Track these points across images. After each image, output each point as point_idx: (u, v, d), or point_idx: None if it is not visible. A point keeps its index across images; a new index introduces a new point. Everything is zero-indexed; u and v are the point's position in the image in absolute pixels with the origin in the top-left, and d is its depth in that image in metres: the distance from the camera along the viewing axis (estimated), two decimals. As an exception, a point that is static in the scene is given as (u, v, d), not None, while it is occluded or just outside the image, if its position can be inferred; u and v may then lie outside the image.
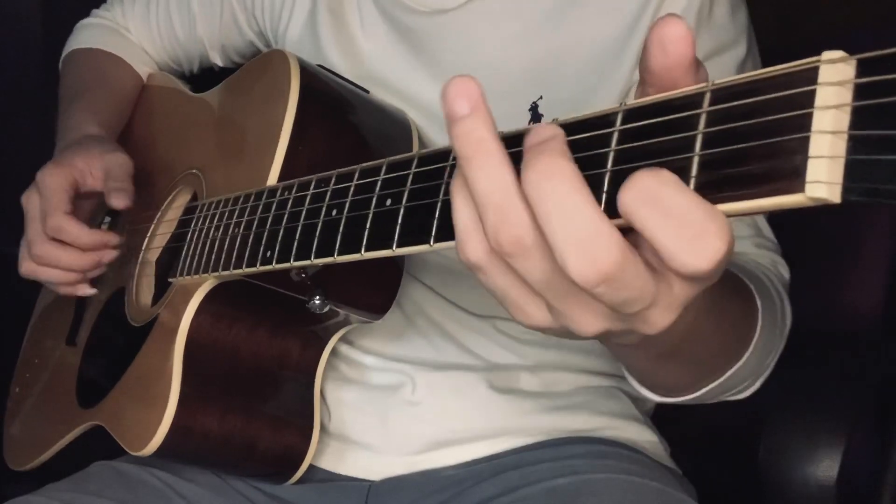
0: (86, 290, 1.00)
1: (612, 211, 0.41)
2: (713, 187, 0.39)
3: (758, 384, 0.77)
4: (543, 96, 0.91)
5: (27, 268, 0.98)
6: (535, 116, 0.91)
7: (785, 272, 0.86)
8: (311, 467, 0.94)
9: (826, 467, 0.86)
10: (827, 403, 0.91)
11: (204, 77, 1.25)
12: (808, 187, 0.35)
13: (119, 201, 0.96)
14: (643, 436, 0.99)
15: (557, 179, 0.41)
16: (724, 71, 0.87)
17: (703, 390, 0.70)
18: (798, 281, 0.83)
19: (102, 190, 0.99)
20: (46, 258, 0.96)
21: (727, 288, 0.65)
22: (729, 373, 0.69)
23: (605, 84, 0.90)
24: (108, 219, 1.09)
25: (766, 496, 0.90)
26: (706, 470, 1.01)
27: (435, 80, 0.97)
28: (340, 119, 0.90)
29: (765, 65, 0.92)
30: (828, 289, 0.91)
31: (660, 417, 1.05)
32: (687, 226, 0.39)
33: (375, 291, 0.88)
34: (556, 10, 0.91)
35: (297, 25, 1.08)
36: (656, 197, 0.39)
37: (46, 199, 0.95)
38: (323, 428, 0.95)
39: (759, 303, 0.71)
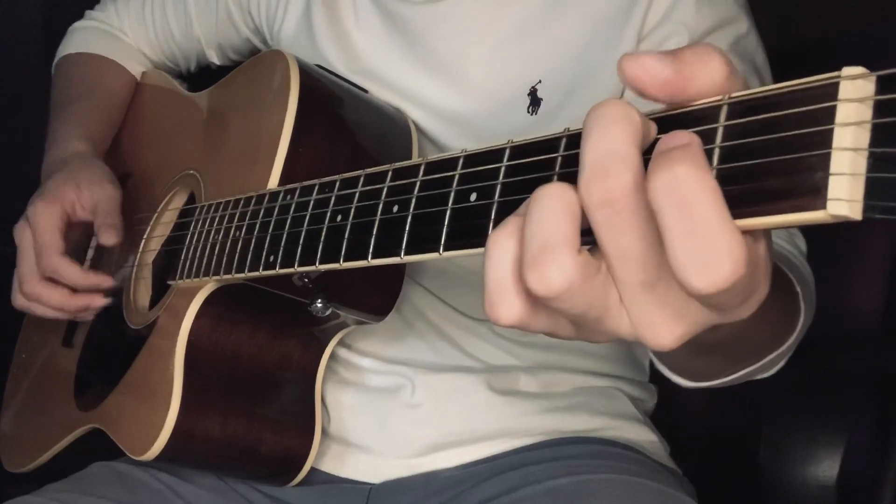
0: (83, 317, 1.01)
1: None
2: (732, 202, 0.38)
3: (783, 362, 0.74)
4: (542, 80, 0.91)
5: (20, 302, 0.99)
6: (535, 100, 0.91)
7: (802, 244, 0.84)
8: (312, 470, 0.94)
9: (826, 467, 0.87)
10: (827, 403, 0.92)
11: (201, 75, 1.24)
12: (829, 205, 0.35)
13: (108, 238, 0.97)
14: (643, 436, 1.00)
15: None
16: (726, 44, 0.87)
17: (735, 376, 0.68)
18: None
19: (91, 221, 1.00)
20: (37, 297, 0.97)
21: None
22: (767, 359, 0.68)
23: (606, 64, 0.89)
24: None
25: (766, 496, 0.90)
26: (706, 470, 1.01)
27: (430, 72, 0.96)
28: (340, 120, 0.90)
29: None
30: (828, 289, 0.90)
31: (660, 417, 1.05)
32: (707, 248, 0.37)
33: (377, 294, 0.87)
34: None
35: (293, 21, 1.07)
36: (689, 204, 0.37)
37: (39, 237, 0.95)
38: (323, 431, 0.95)
39: (798, 291, 0.69)
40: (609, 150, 0.40)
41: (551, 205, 0.41)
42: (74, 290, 0.97)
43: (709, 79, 0.41)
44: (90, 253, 1.09)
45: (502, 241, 0.43)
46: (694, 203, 0.37)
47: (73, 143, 1.09)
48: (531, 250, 0.41)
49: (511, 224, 0.43)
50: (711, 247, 0.37)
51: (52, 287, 0.96)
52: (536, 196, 0.42)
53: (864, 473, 0.88)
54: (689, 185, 0.37)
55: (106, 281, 0.98)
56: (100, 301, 0.98)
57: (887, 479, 0.86)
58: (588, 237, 0.41)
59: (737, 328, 0.50)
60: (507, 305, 0.43)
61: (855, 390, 0.94)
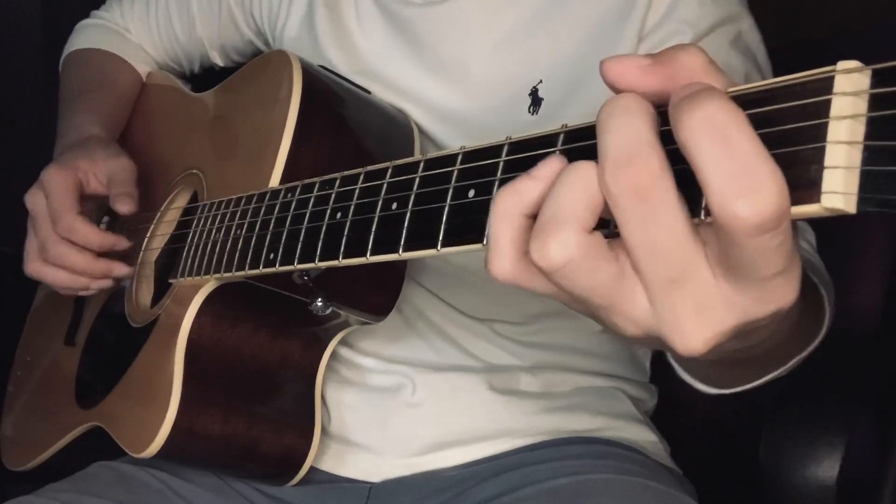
0: (88, 290, 0.99)
1: None
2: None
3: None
4: (543, 80, 0.91)
5: (34, 267, 0.97)
6: (536, 101, 0.91)
7: (811, 237, 0.84)
8: (312, 469, 0.94)
9: (826, 467, 0.86)
10: (827, 403, 0.91)
11: (205, 77, 1.25)
12: (824, 197, 0.35)
13: (124, 206, 0.96)
14: (643, 436, 1.00)
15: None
16: (729, 40, 0.87)
17: (761, 381, 0.68)
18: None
19: (105, 194, 0.99)
20: (60, 259, 0.95)
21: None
22: (790, 364, 0.67)
23: None
24: (106, 218, 1.09)
25: (766, 496, 0.90)
26: (706, 470, 1.01)
27: (432, 73, 0.97)
28: (342, 120, 0.90)
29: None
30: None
31: (660, 417, 1.05)
32: (750, 173, 0.36)
33: (378, 293, 0.88)
34: None
35: (295, 23, 1.08)
36: (727, 134, 0.37)
37: (55, 199, 0.94)
38: (323, 430, 0.95)
39: (822, 290, 0.69)
40: (634, 138, 0.40)
41: (574, 182, 0.41)
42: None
43: (690, 60, 0.41)
44: None
45: (506, 198, 0.44)
46: (732, 132, 0.37)
47: (88, 129, 1.09)
48: (541, 220, 0.41)
49: (519, 182, 0.44)
50: (755, 172, 0.36)
51: (75, 249, 0.95)
52: (566, 170, 0.42)
53: (864, 473, 0.88)
54: (724, 116, 0.37)
55: (122, 242, 0.97)
56: (121, 268, 0.97)
57: (887, 479, 0.86)
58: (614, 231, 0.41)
59: (775, 339, 0.49)
60: (502, 262, 0.44)
61: (855, 390, 0.94)
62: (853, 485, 0.87)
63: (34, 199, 0.96)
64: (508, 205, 0.44)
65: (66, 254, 0.95)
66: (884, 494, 0.85)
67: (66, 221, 0.94)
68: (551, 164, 0.43)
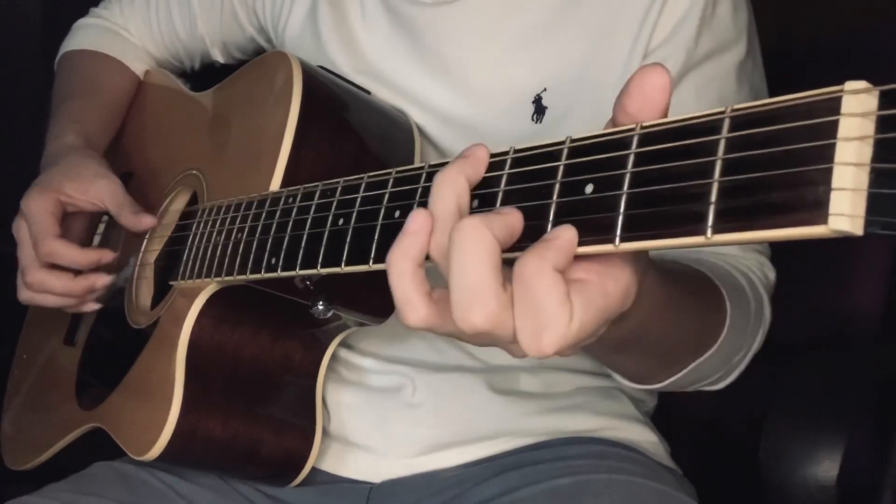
0: (91, 306, 1.00)
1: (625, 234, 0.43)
2: (732, 215, 0.39)
3: (732, 377, 0.81)
4: (548, 88, 0.90)
5: (25, 295, 0.99)
6: (539, 108, 0.91)
7: (770, 274, 0.88)
8: (313, 469, 0.94)
9: (826, 467, 0.87)
10: (827, 403, 0.92)
11: (205, 73, 1.24)
12: (831, 219, 0.35)
13: (149, 220, 0.97)
14: (643, 436, 1.00)
15: (471, 240, 0.46)
16: (724, 69, 0.88)
17: (669, 380, 0.74)
18: (799, 282, 0.84)
19: (93, 210, 1.00)
20: (39, 286, 0.96)
21: (690, 287, 0.70)
22: (691, 367, 0.73)
23: (614, 78, 0.88)
24: (105, 217, 1.09)
25: (766, 496, 0.90)
26: (706, 470, 1.02)
27: (434, 75, 0.96)
28: (342, 122, 0.90)
29: (765, 66, 0.92)
30: (828, 289, 0.91)
31: (660, 417, 1.05)
32: (534, 317, 0.46)
33: (379, 296, 0.87)
34: (566, 4, 0.91)
35: (298, 21, 1.07)
36: (527, 283, 0.45)
37: (34, 225, 0.96)
38: (324, 430, 0.95)
39: (727, 304, 0.74)
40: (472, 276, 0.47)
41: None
42: (77, 274, 0.97)
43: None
44: (96, 239, 1.09)
45: (398, 259, 0.52)
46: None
47: (67, 138, 1.09)
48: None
49: (404, 241, 0.52)
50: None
51: (54, 273, 0.96)
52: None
53: (864, 473, 0.88)
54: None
55: (107, 255, 0.98)
56: (104, 279, 0.97)
57: (887, 479, 0.86)
58: None
59: (640, 326, 0.57)
60: (416, 311, 0.52)
61: (855, 390, 0.94)
62: (853, 485, 0.87)
63: (18, 227, 0.98)
64: (403, 264, 0.51)
65: (44, 280, 0.96)
66: (884, 495, 0.86)
67: (45, 246, 0.95)
68: (419, 218, 0.51)
